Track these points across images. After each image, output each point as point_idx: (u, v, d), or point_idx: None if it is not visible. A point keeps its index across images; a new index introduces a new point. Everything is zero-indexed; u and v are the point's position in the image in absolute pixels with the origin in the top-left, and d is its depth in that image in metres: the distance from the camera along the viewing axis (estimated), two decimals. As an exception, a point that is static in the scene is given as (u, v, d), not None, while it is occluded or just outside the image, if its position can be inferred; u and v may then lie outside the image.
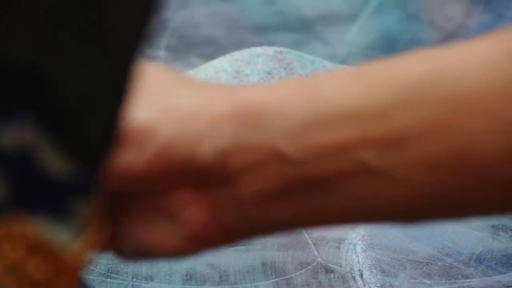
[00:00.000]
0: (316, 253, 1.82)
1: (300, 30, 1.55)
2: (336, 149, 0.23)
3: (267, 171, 0.24)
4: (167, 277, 1.73)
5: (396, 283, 1.58)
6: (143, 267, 1.78)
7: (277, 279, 1.70)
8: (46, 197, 0.24)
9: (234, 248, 1.84)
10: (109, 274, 1.17)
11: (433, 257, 1.78)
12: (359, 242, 1.88)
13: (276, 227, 0.25)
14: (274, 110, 0.24)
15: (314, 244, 1.86)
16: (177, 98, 0.25)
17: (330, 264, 1.76)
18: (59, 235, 0.24)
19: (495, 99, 0.22)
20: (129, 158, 0.24)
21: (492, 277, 1.67)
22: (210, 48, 1.49)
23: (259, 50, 1.21)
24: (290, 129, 0.23)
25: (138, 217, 0.25)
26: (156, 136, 0.24)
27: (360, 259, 1.79)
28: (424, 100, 0.23)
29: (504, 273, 1.69)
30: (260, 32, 1.54)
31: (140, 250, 0.25)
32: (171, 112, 0.24)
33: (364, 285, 1.54)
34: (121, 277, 1.18)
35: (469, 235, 1.89)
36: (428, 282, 1.58)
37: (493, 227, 1.94)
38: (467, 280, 1.66)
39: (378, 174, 0.23)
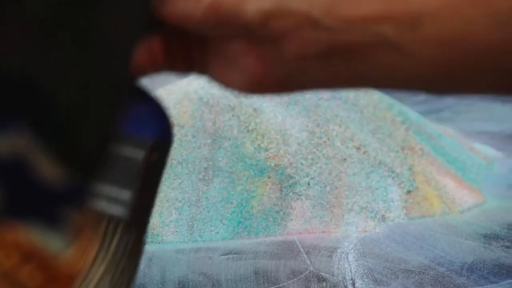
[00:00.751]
0: (308, 261, 1.82)
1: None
2: (361, 21, 0.27)
3: (304, 35, 0.27)
4: (160, 285, 1.73)
5: (388, 292, 1.57)
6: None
7: (269, 288, 1.69)
8: (39, 205, 0.24)
9: (227, 256, 1.83)
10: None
11: (425, 266, 1.78)
12: (352, 251, 1.88)
13: (318, 85, 0.30)
14: None
15: (307, 253, 1.86)
16: None
17: (322, 273, 1.75)
18: (52, 243, 0.24)
19: None
20: (189, 7, 0.28)
21: (484, 287, 1.67)
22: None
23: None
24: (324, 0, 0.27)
25: (215, 57, 0.30)
26: None
27: (352, 268, 1.79)
28: None
29: (496, 283, 1.69)
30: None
31: (217, 81, 0.30)
32: None
33: (356, 294, 1.54)
34: (113, 285, 1.17)
35: (461, 244, 1.89)
36: (420, 291, 1.58)
37: (485, 236, 1.94)
38: (459, 289, 1.67)
39: (396, 48, 0.26)
